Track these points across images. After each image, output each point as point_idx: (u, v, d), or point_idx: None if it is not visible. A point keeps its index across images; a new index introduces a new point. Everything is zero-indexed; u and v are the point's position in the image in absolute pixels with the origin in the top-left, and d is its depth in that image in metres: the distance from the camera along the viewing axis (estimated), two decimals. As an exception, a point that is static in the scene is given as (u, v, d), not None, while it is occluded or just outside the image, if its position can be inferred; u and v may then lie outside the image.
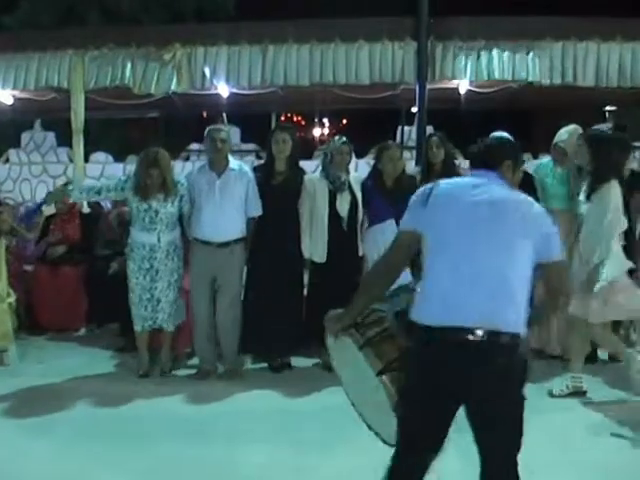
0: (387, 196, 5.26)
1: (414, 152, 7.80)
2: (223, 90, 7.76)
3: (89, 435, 4.08)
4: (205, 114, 11.57)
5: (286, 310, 5.30)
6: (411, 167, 6.22)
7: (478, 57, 7.04)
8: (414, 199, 2.49)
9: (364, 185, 5.41)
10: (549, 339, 5.54)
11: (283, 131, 5.36)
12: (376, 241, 5.27)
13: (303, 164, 5.66)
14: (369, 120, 15.16)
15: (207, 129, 5.30)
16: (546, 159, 5.90)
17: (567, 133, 5.52)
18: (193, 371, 5.35)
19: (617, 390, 4.80)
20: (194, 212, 5.23)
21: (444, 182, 2.46)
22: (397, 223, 5.07)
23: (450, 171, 5.33)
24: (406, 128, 9.53)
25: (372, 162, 5.87)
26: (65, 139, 8.88)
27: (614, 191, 4.47)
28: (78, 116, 7.50)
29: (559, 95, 7.84)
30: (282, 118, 11.87)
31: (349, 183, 5.36)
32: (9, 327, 5.56)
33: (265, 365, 5.47)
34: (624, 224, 4.57)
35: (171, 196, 5.13)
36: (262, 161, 6.00)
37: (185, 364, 5.54)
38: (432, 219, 2.37)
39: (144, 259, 5.13)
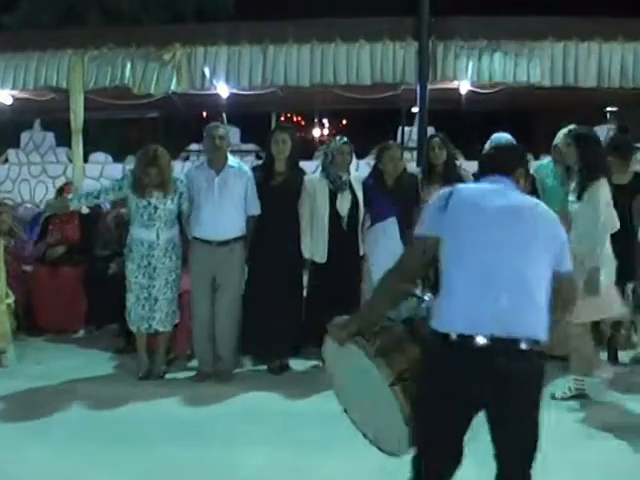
0: (389, 195, 5.25)
1: (414, 153, 7.78)
2: (223, 90, 7.74)
3: (87, 437, 4.05)
4: (205, 114, 11.55)
5: (286, 311, 5.28)
6: (412, 168, 6.18)
7: (479, 58, 7.03)
8: (432, 204, 2.42)
9: (365, 184, 5.39)
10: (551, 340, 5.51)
11: (283, 131, 5.34)
12: (377, 240, 5.26)
13: (303, 164, 5.64)
14: (369, 120, 15.14)
15: (206, 127, 5.28)
16: (546, 160, 5.89)
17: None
18: (192, 373, 5.32)
19: (618, 391, 4.78)
20: (193, 210, 5.20)
21: (463, 187, 2.43)
22: (399, 221, 5.19)
23: (452, 172, 5.32)
24: (406, 129, 9.51)
25: (373, 162, 5.84)
26: (64, 139, 8.87)
27: (603, 189, 4.47)
28: (77, 116, 7.49)
29: (560, 96, 7.83)
30: (282, 118, 11.82)
31: (350, 183, 5.34)
32: (7, 328, 5.53)
33: (264, 367, 5.44)
34: (616, 222, 4.56)
35: (170, 193, 5.10)
36: (262, 161, 5.96)
37: (184, 366, 5.50)
38: (453, 224, 2.32)
39: (143, 257, 5.10)
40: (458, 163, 5.80)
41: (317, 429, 4.10)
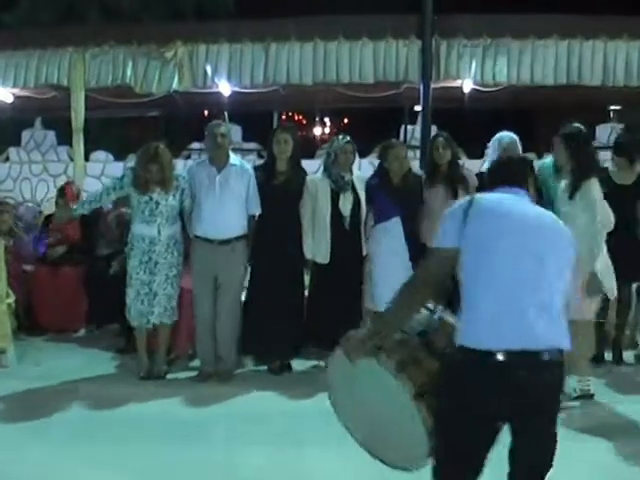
0: (393, 194, 5.20)
1: (417, 151, 7.74)
2: (225, 89, 7.71)
3: (88, 437, 4.04)
4: (206, 113, 11.53)
5: (287, 311, 5.25)
6: (415, 167, 6.14)
7: (483, 56, 6.98)
8: (450, 214, 2.37)
9: (369, 184, 5.34)
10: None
11: (284, 131, 5.31)
12: (380, 240, 5.23)
13: (305, 163, 5.59)
14: (370, 119, 15.14)
15: (207, 125, 5.25)
16: (549, 159, 5.83)
17: (569, 133, 5.47)
18: (193, 373, 5.29)
19: (621, 391, 4.79)
20: (194, 208, 5.17)
21: (481, 197, 2.37)
22: (403, 221, 5.15)
23: (456, 172, 5.29)
24: (409, 127, 9.48)
25: (376, 161, 5.80)
26: (65, 138, 8.84)
27: (595, 188, 4.45)
28: (78, 115, 7.46)
29: (563, 94, 7.80)
30: (283, 117, 11.79)
31: (352, 182, 5.30)
32: (8, 328, 5.51)
33: (265, 367, 5.42)
34: (612, 220, 4.56)
35: (171, 189, 5.07)
36: (263, 160, 5.93)
37: (185, 366, 5.48)
38: (475, 236, 2.27)
39: (144, 252, 5.08)
40: (461, 162, 5.73)
41: (318, 429, 4.04)
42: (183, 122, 12.24)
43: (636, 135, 6.20)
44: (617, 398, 4.71)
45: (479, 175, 5.35)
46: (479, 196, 2.38)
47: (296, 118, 21.14)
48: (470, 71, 7.05)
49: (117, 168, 9.22)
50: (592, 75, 6.90)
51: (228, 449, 3.85)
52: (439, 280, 2.35)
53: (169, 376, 5.23)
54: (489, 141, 5.71)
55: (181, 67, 7.22)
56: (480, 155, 9.00)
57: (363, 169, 7.17)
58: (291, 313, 5.28)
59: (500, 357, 2.15)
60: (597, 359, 5.26)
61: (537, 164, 5.92)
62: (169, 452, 3.81)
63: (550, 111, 11.11)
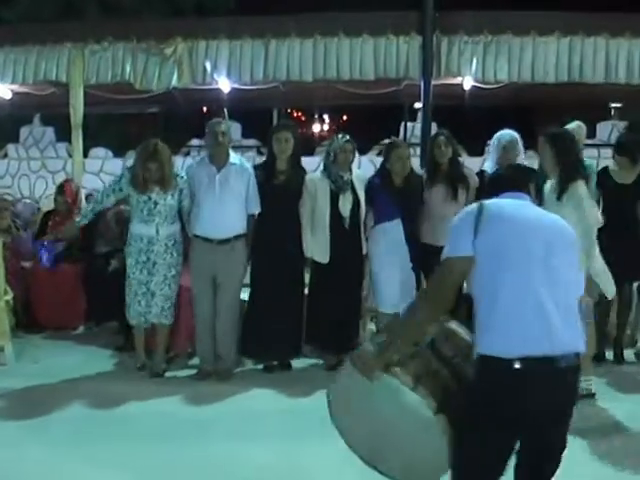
0: (395, 195, 5.17)
1: (417, 149, 7.71)
2: (224, 85, 7.68)
3: (87, 435, 4.01)
4: (206, 109, 11.50)
5: (287, 311, 5.22)
6: (415, 164, 6.11)
7: (484, 53, 6.95)
8: (460, 222, 2.33)
9: (371, 183, 5.31)
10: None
11: (285, 130, 5.27)
12: (378, 241, 5.21)
13: (304, 161, 5.56)
14: (370, 116, 15.11)
15: (207, 123, 5.21)
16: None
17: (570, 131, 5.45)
18: (192, 371, 5.27)
19: (622, 390, 4.78)
20: (193, 207, 5.14)
21: (491, 203, 2.34)
22: (404, 222, 5.12)
23: (456, 171, 5.26)
24: (409, 124, 9.47)
25: (376, 159, 5.78)
26: (64, 134, 8.83)
27: (582, 189, 4.41)
28: (77, 111, 7.42)
29: (564, 92, 7.78)
30: (281, 114, 11.75)
31: (351, 182, 5.27)
32: (6, 325, 5.48)
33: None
34: (600, 218, 4.54)
35: (170, 189, 5.04)
36: (263, 157, 5.90)
37: (185, 364, 5.46)
38: (490, 243, 2.24)
39: (141, 252, 5.06)
40: (461, 161, 5.70)
41: (317, 427, 3.99)
42: (182, 119, 12.21)
43: (638, 134, 6.18)
44: (618, 397, 4.70)
45: (480, 174, 5.33)
46: (488, 203, 2.33)
47: (295, 115, 21.11)
48: (471, 68, 7.02)
49: (116, 164, 9.21)
50: (594, 73, 6.87)
51: (228, 447, 3.83)
52: (455, 291, 2.27)
53: (168, 374, 5.21)
54: (489, 138, 5.69)
55: (181, 63, 7.19)
56: (480, 153, 8.99)
57: (363, 167, 7.17)
58: (291, 312, 5.25)
59: (525, 364, 2.11)
60: (598, 358, 5.26)
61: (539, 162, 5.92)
62: (168, 450, 3.79)
63: (551, 108, 11.08)
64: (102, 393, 4.72)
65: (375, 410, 2.41)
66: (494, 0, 7.68)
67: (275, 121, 9.92)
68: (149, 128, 11.71)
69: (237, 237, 5.10)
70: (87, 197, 7.05)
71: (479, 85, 7.58)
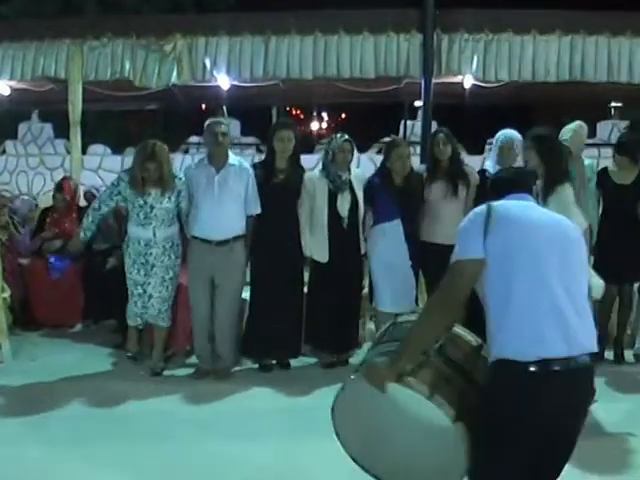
0: (395, 195, 5.14)
1: (417, 147, 7.69)
2: (224, 82, 7.65)
3: (85, 434, 4.01)
4: (205, 106, 11.46)
5: (287, 310, 5.21)
6: (415, 163, 6.09)
7: (485, 51, 6.92)
8: (469, 224, 2.29)
9: (370, 182, 5.29)
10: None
11: (287, 128, 5.24)
12: (377, 241, 5.20)
13: (304, 158, 5.53)
14: (369, 114, 15.08)
15: (207, 122, 5.18)
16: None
17: (571, 131, 5.47)
18: (191, 370, 5.26)
19: (622, 390, 4.78)
20: (192, 209, 5.12)
21: (499, 205, 2.31)
22: (404, 222, 5.10)
23: (457, 168, 5.24)
24: (409, 123, 9.45)
25: (376, 157, 5.75)
26: (63, 131, 8.78)
27: (569, 192, 4.39)
28: (76, 107, 7.37)
29: (564, 90, 7.76)
30: (280, 112, 11.73)
31: (350, 182, 5.25)
32: (3, 323, 5.46)
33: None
34: (584, 221, 4.50)
35: (168, 191, 5.01)
36: (262, 155, 5.86)
37: (183, 363, 5.44)
38: (501, 244, 2.20)
39: (139, 254, 5.04)
40: (462, 157, 5.67)
41: (316, 426, 3.99)
42: (181, 115, 12.18)
43: (639, 134, 6.16)
44: (617, 397, 4.71)
45: (481, 173, 5.31)
46: (496, 204, 2.30)
47: (294, 113, 21.08)
48: (471, 66, 6.98)
49: (115, 161, 9.20)
50: (595, 72, 6.84)
51: (226, 446, 3.82)
52: (466, 295, 2.23)
53: (166, 373, 5.19)
54: (489, 137, 5.66)
55: (180, 60, 7.14)
56: (480, 151, 8.98)
57: (362, 165, 7.15)
58: (291, 311, 5.24)
59: (542, 366, 2.08)
60: (598, 358, 5.24)
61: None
62: (167, 449, 3.79)
63: (551, 107, 11.07)
64: (100, 391, 4.71)
65: (387, 422, 2.35)
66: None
67: (274, 119, 9.89)
68: (148, 125, 11.71)
69: (236, 238, 5.07)
70: (85, 194, 7.03)
71: (479, 84, 7.55)
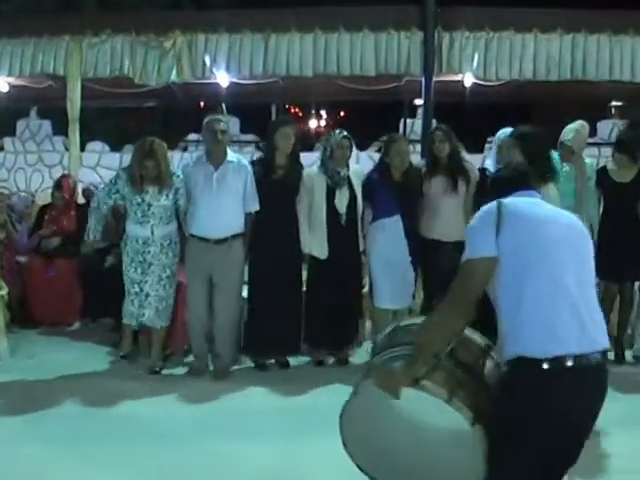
0: (394, 190, 5.14)
1: (417, 145, 7.67)
2: (223, 80, 7.61)
3: (81, 433, 3.98)
4: (204, 104, 11.42)
5: (286, 308, 5.19)
6: (415, 161, 6.06)
7: (485, 50, 6.89)
8: (480, 222, 2.25)
9: (369, 178, 5.28)
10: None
11: (289, 125, 5.23)
12: (376, 237, 5.19)
13: (303, 156, 5.51)
14: (368, 112, 15.03)
15: (206, 119, 5.15)
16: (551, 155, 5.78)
17: (573, 130, 5.45)
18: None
19: (622, 390, 4.66)
20: (190, 206, 5.09)
21: (509, 202, 2.27)
22: (403, 218, 5.09)
23: (457, 164, 5.22)
24: (409, 121, 9.42)
25: (375, 155, 5.74)
26: (61, 127, 8.76)
27: (554, 192, 4.34)
28: (74, 104, 7.34)
29: (565, 89, 7.74)
30: (279, 109, 11.71)
31: (348, 178, 5.23)
32: (1, 321, 5.44)
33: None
34: None
35: (166, 189, 4.99)
36: (262, 154, 5.83)
37: (181, 361, 5.41)
38: (514, 241, 2.17)
39: (137, 252, 5.02)
40: (462, 154, 5.65)
41: (315, 426, 4.01)
42: (180, 113, 12.14)
43: (638, 132, 6.14)
44: (618, 397, 4.65)
45: (481, 171, 5.29)
46: (506, 201, 2.27)
47: (292, 111, 21.03)
48: (472, 64, 6.96)
49: (113, 158, 9.17)
50: (597, 70, 6.81)
51: (225, 446, 3.80)
52: (479, 295, 2.19)
53: (165, 371, 5.17)
54: (489, 136, 5.64)
55: (180, 58, 7.11)
56: (480, 150, 8.96)
57: (362, 163, 7.12)
58: (290, 309, 5.22)
59: (558, 363, 2.06)
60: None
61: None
62: (164, 449, 3.76)
63: (551, 106, 11.05)
64: (98, 390, 4.69)
65: (401, 429, 2.30)
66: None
67: (274, 116, 9.86)
68: (147, 122, 11.67)
69: (234, 236, 5.05)
70: (84, 191, 7.00)
71: (480, 82, 7.53)
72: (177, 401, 4.58)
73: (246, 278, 5.25)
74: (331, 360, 5.43)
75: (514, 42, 6.88)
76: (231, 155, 5.12)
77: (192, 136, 9.61)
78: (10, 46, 7.38)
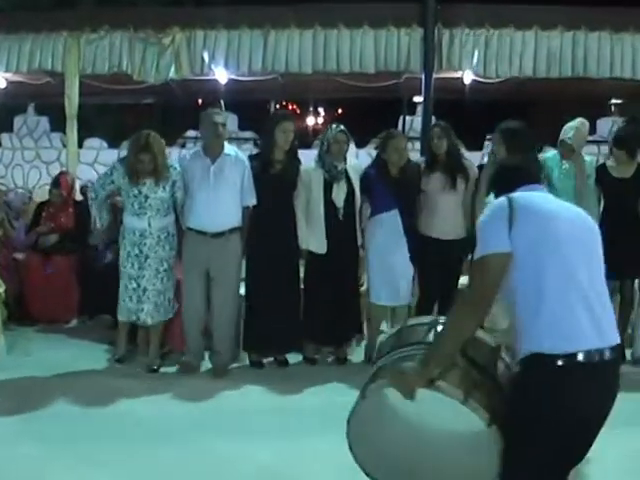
0: (391, 186, 5.12)
1: (416, 142, 7.65)
2: (221, 76, 7.58)
3: (78, 433, 3.94)
4: (202, 100, 11.39)
5: (285, 305, 5.15)
6: (414, 158, 6.04)
7: (486, 47, 6.87)
8: (492, 218, 2.21)
9: (367, 174, 5.25)
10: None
11: (289, 120, 5.19)
12: (374, 232, 5.17)
13: (301, 153, 5.48)
14: (366, 109, 14.99)
15: (205, 112, 5.11)
16: (551, 152, 5.78)
17: (574, 128, 5.42)
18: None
19: (621, 389, 4.70)
20: (187, 200, 5.06)
21: (519, 197, 2.24)
22: (401, 213, 5.07)
23: (456, 161, 5.20)
24: (407, 118, 9.41)
25: (373, 153, 5.71)
26: (59, 124, 8.75)
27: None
28: (72, 101, 7.31)
29: (565, 87, 7.72)
30: (277, 106, 11.69)
31: (346, 172, 5.20)
32: (-3, 318, 5.40)
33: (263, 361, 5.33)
34: None
35: (162, 181, 4.96)
36: (259, 149, 5.80)
37: (180, 360, 5.36)
38: (525, 237, 2.13)
39: (134, 245, 4.98)
40: (461, 151, 5.62)
41: (313, 425, 4.06)
42: (179, 109, 12.11)
43: (636, 127, 6.12)
44: (617, 397, 4.64)
45: (480, 168, 5.27)
46: (517, 196, 2.24)
47: (290, 107, 20.99)
48: (472, 61, 6.94)
49: (111, 155, 9.13)
50: (598, 68, 6.80)
51: (223, 445, 3.78)
52: (496, 292, 2.14)
53: (163, 370, 5.13)
54: (489, 133, 5.61)
55: (179, 54, 7.07)
56: (480, 147, 8.95)
57: (361, 160, 7.09)
58: (288, 306, 5.18)
59: (575, 358, 2.03)
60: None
61: (540, 158, 5.86)
62: (162, 448, 3.74)
63: (551, 104, 11.04)
64: (95, 388, 4.66)
65: (413, 432, 2.26)
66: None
67: (272, 113, 9.83)
68: (145, 119, 11.61)
69: (232, 230, 5.02)
70: (82, 188, 6.97)
71: (479, 79, 7.51)
72: (175, 400, 4.55)
73: (243, 275, 5.22)
74: (330, 358, 5.41)
75: (514, 39, 6.86)
76: (228, 148, 5.09)
77: (190, 133, 9.60)
78: (7, 42, 7.35)
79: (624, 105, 9.81)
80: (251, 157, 5.30)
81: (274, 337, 5.13)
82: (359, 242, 5.26)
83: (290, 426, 4.08)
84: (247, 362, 5.31)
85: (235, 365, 5.25)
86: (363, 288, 5.47)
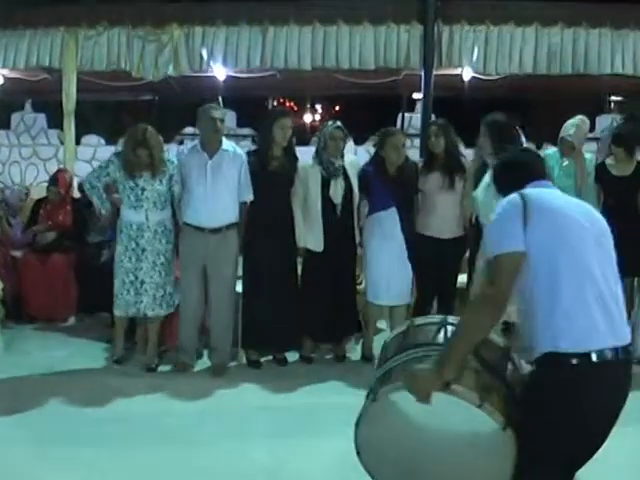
0: (389, 184, 5.11)
1: (415, 140, 7.62)
2: (220, 73, 7.55)
3: (75, 432, 3.94)
4: (200, 97, 11.33)
5: (283, 302, 5.13)
6: (414, 156, 6.02)
7: (486, 43, 6.84)
8: (505, 215, 2.18)
9: (365, 171, 5.23)
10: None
11: (287, 117, 5.17)
12: (373, 230, 5.16)
13: (299, 150, 5.45)
14: (364, 106, 14.94)
15: (202, 107, 5.08)
16: (551, 150, 5.76)
17: (574, 126, 5.42)
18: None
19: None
20: (184, 194, 5.03)
21: (531, 193, 2.22)
22: (399, 211, 5.05)
23: (454, 160, 5.18)
24: (407, 115, 9.37)
25: (372, 150, 5.69)
26: (56, 121, 8.69)
27: None
28: (70, 97, 7.27)
29: (564, 84, 7.69)
30: (275, 103, 11.65)
31: (344, 168, 5.17)
32: (-5, 316, 5.39)
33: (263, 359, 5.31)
34: None
35: (159, 174, 4.93)
36: (257, 145, 5.77)
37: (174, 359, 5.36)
38: (539, 235, 2.11)
39: (131, 239, 4.96)
40: (460, 150, 5.60)
41: (311, 423, 4.06)
42: (177, 107, 12.06)
43: (635, 124, 6.10)
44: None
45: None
46: (529, 193, 2.22)
47: (288, 104, 20.95)
48: (472, 58, 6.90)
49: (108, 152, 8.99)
50: (599, 64, 6.77)
51: (221, 444, 3.79)
52: (511, 292, 2.10)
53: (161, 368, 5.13)
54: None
55: (177, 51, 7.03)
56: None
57: (359, 157, 7.06)
58: (286, 303, 5.16)
59: (594, 357, 2.03)
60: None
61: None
62: (160, 448, 3.74)
63: (550, 101, 11.00)
64: (93, 387, 4.66)
65: (427, 437, 2.21)
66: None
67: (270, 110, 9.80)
68: (143, 116, 11.54)
69: (229, 226, 5.00)
70: (79, 185, 6.93)
71: (479, 76, 7.48)
72: (172, 398, 4.54)
73: (240, 272, 5.19)
74: (328, 356, 5.39)
75: (514, 36, 6.82)
76: (226, 144, 5.07)
77: (188, 129, 9.55)
78: (4, 38, 7.30)
79: (623, 102, 9.78)
80: (249, 154, 5.26)
81: (273, 335, 5.11)
82: (357, 240, 5.24)
83: (287, 425, 4.09)
84: (245, 361, 5.28)
85: (233, 364, 5.23)
86: (361, 286, 5.45)
